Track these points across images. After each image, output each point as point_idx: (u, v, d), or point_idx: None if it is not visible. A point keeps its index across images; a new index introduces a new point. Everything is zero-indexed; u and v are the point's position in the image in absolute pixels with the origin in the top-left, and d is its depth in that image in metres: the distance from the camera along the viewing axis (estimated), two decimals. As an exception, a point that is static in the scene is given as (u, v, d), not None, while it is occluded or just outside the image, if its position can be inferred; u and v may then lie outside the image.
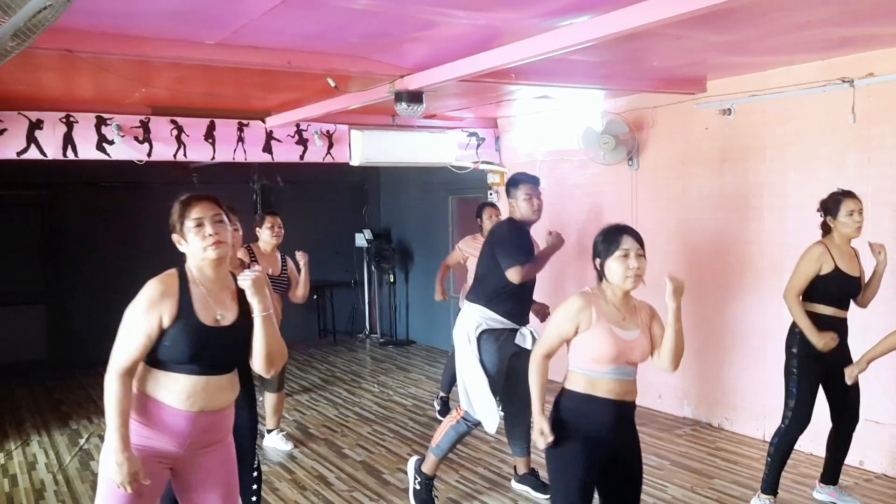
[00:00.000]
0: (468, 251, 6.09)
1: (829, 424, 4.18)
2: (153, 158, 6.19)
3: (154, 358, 2.48)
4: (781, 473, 4.15)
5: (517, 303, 4.29)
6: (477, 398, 4.21)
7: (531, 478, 4.57)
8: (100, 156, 5.97)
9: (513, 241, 4.23)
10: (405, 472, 4.87)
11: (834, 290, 3.96)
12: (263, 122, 6.68)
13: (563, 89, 5.85)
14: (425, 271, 9.03)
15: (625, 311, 2.82)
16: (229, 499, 2.68)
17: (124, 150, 6.02)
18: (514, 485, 4.67)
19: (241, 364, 2.67)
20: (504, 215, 5.03)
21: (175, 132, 6.25)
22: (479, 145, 7.71)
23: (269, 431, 5.59)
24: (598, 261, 2.83)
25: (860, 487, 4.50)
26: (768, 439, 4.37)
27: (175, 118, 6.23)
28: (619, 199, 6.42)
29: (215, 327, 2.52)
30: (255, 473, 3.81)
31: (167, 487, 2.71)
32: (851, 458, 4.66)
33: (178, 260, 2.60)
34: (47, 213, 8.56)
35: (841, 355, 4.04)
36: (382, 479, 4.89)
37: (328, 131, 6.99)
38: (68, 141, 5.80)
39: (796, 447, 4.15)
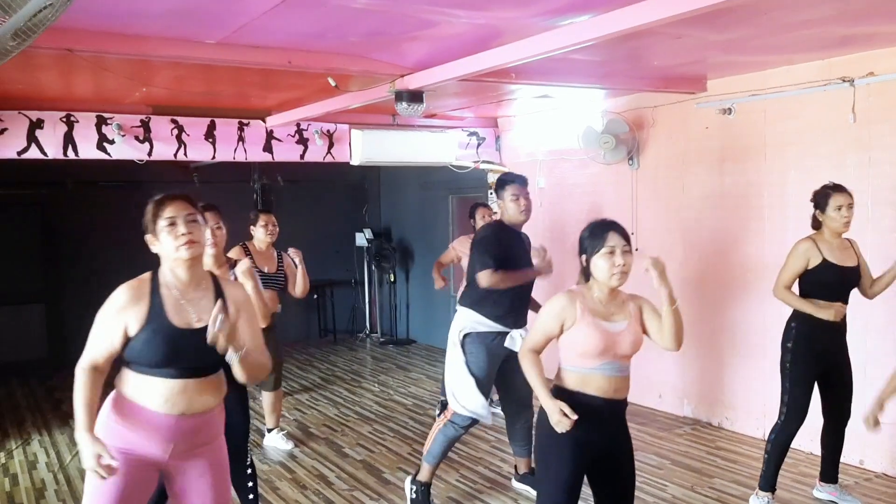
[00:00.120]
0: (462, 251, 6.09)
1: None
2: (154, 158, 6.19)
3: (131, 361, 2.48)
4: (779, 471, 4.15)
5: (506, 306, 4.21)
6: (464, 395, 4.18)
7: (531, 477, 4.58)
8: (100, 155, 5.97)
9: (489, 245, 4.17)
10: (405, 472, 4.88)
11: (826, 282, 3.94)
12: (264, 121, 6.69)
13: (564, 88, 5.84)
14: (426, 271, 9.01)
15: (612, 307, 2.80)
16: (220, 500, 2.66)
17: (125, 149, 6.02)
18: (515, 484, 4.67)
19: (220, 366, 2.61)
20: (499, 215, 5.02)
21: (175, 131, 6.25)
22: (479, 145, 7.71)
23: (270, 430, 5.60)
24: (583, 257, 2.81)
25: (860, 486, 4.50)
26: (768, 438, 4.38)
27: (175, 117, 6.23)
28: (620, 199, 6.42)
29: (188, 330, 2.48)
30: (248, 471, 3.82)
31: (158, 490, 2.71)
32: (851, 458, 4.67)
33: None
34: (48, 213, 8.57)
35: (839, 352, 4.06)
36: (383, 479, 4.89)
37: (328, 131, 7.00)
38: (69, 140, 5.80)
39: (796, 446, 4.16)
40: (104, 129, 5.93)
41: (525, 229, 4.45)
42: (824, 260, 3.93)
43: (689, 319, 5.86)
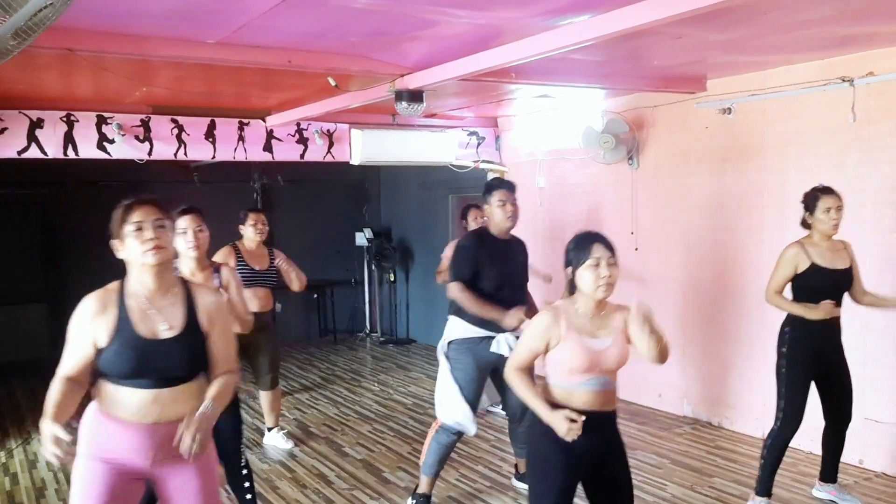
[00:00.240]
0: None
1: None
2: (154, 157, 6.20)
3: (103, 372, 2.45)
4: (776, 475, 4.13)
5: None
6: (449, 405, 4.15)
7: (531, 477, 4.58)
8: (100, 155, 5.98)
9: (467, 255, 4.11)
10: (405, 471, 4.89)
11: (816, 286, 3.92)
12: (264, 121, 6.69)
13: (564, 88, 5.84)
14: (426, 270, 9.02)
15: (598, 321, 2.77)
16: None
17: (125, 149, 6.03)
18: (515, 482, 4.68)
19: (195, 374, 2.53)
20: None
21: (175, 131, 6.26)
22: (479, 144, 7.72)
23: (270, 429, 5.60)
24: (569, 269, 2.79)
25: (860, 486, 4.50)
26: (768, 438, 4.38)
27: (175, 117, 6.24)
28: (619, 199, 6.43)
29: (155, 340, 2.43)
30: (244, 472, 3.83)
31: (147, 497, 2.70)
32: (851, 457, 4.67)
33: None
34: (48, 212, 8.58)
35: (834, 352, 4.05)
36: (383, 478, 4.90)
37: (328, 130, 7.00)
38: (69, 140, 5.81)
39: (795, 446, 4.16)
40: (104, 129, 5.94)
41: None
42: (813, 264, 3.91)
43: (689, 319, 5.91)
